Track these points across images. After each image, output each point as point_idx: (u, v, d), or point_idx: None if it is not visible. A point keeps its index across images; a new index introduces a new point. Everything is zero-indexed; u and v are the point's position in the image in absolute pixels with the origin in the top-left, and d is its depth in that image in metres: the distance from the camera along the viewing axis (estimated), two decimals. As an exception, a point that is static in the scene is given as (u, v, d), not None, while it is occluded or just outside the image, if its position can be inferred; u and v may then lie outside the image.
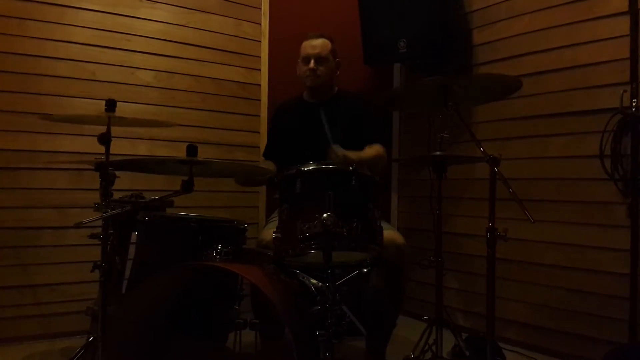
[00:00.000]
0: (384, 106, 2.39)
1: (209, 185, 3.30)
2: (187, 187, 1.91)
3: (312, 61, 2.72)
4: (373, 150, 2.66)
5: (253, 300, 2.28)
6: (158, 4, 3.33)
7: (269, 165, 2.83)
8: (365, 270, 2.15)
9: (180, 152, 1.92)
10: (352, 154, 2.41)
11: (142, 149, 3.24)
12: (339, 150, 2.39)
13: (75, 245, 2.99)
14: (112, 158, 2.08)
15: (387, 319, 2.50)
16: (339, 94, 2.88)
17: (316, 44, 2.75)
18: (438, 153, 2.41)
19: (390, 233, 2.28)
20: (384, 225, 2.06)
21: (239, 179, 2.85)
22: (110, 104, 2.05)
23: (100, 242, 2.07)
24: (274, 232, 1.97)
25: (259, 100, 3.67)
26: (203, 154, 1.95)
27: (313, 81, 2.76)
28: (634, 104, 2.60)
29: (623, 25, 2.69)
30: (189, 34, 3.44)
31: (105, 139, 2.06)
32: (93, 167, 2.26)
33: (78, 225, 1.96)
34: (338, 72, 2.86)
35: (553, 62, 3.00)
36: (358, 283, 2.23)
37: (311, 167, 1.94)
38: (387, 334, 2.51)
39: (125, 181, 2.36)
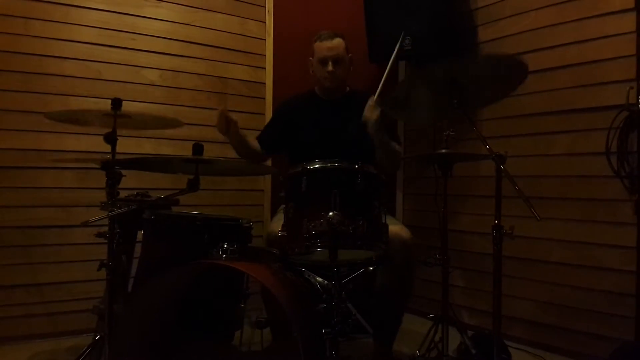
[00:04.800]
0: (390, 113, 2.36)
1: (214, 183, 3.32)
2: (193, 186, 1.91)
3: (330, 63, 2.69)
4: (394, 144, 2.66)
5: (264, 298, 2.30)
6: (163, 2, 3.34)
7: (255, 143, 2.82)
8: (371, 268, 2.15)
9: (186, 150, 1.92)
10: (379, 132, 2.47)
11: (147, 148, 3.24)
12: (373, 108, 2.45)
13: (81, 244, 3.00)
14: (117, 157, 2.09)
15: (394, 317, 2.49)
16: (351, 92, 2.86)
17: (332, 46, 2.70)
18: (444, 151, 2.41)
19: (396, 228, 2.27)
20: (391, 220, 2.05)
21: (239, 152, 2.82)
22: (116, 103, 2.06)
23: (106, 241, 2.08)
24: (279, 231, 1.98)
25: (264, 98, 3.67)
26: (208, 152, 1.95)
27: (332, 82, 2.74)
28: (640, 100, 2.60)
29: (629, 21, 2.68)
30: (194, 33, 3.45)
31: (111, 138, 2.07)
32: (99, 166, 2.27)
33: (84, 224, 1.97)
34: (351, 68, 2.83)
35: (559, 59, 2.99)
36: (364, 281, 2.23)
37: (317, 166, 1.94)
38: (394, 331, 2.51)
39: (131, 180, 2.37)
